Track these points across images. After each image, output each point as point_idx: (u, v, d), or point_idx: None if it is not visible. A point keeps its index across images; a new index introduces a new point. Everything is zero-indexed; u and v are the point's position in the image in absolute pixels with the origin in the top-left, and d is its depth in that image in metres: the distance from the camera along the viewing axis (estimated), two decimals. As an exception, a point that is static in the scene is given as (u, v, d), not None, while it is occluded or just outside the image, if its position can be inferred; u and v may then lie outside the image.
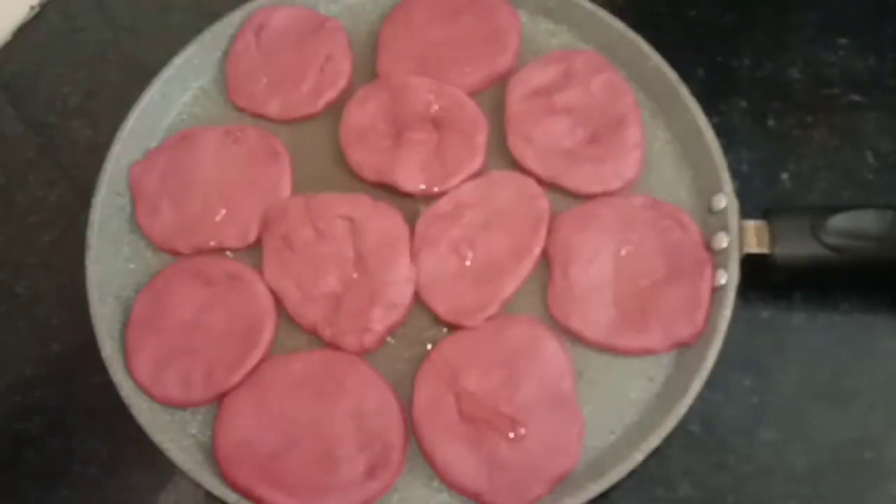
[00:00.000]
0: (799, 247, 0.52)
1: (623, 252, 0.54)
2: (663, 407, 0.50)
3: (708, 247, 0.54)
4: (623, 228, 0.55)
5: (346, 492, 0.49)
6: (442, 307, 0.54)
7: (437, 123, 0.59)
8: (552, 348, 0.52)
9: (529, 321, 0.53)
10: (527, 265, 0.54)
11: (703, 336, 0.52)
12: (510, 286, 0.54)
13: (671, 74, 0.59)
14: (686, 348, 0.52)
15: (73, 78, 0.67)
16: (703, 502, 0.51)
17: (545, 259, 0.55)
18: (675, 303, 0.53)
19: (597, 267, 0.54)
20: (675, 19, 0.67)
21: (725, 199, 0.54)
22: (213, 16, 0.63)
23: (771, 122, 0.62)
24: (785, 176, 0.60)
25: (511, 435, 0.50)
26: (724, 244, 0.53)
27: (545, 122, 0.59)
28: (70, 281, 0.55)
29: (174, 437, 0.51)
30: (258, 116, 0.61)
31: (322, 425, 0.51)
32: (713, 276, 0.53)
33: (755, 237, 0.53)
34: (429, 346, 0.53)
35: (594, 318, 0.53)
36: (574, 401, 0.51)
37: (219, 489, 0.49)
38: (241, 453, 0.50)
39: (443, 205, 0.57)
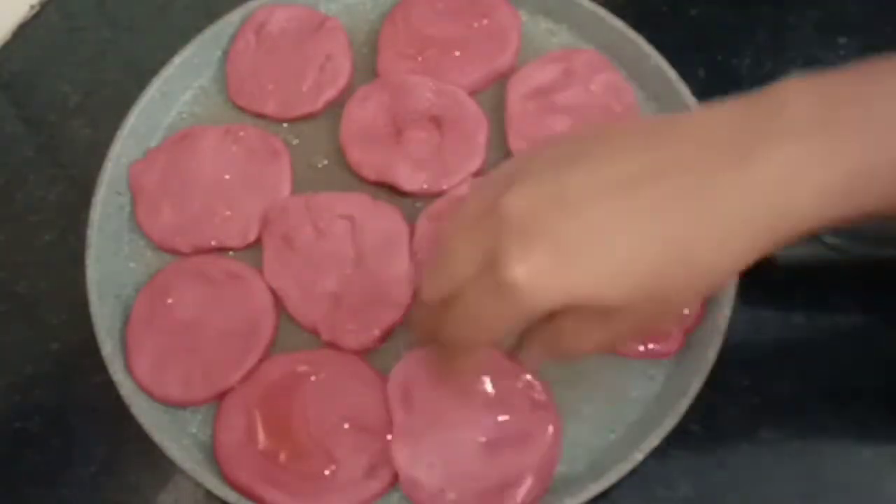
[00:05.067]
0: (799, 247, 0.52)
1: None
2: (663, 406, 0.50)
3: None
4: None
5: (346, 491, 0.49)
6: (442, 307, 0.54)
7: (437, 122, 0.59)
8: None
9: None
10: (527, 265, 0.54)
11: (704, 336, 0.51)
12: (510, 286, 0.54)
13: (671, 74, 0.59)
14: (686, 348, 0.52)
15: (72, 77, 0.67)
16: (703, 502, 0.51)
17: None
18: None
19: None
20: (676, 18, 0.66)
21: (725, 199, 0.54)
22: (213, 15, 0.63)
23: (771, 122, 0.62)
24: (785, 176, 0.60)
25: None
26: (725, 244, 0.53)
27: (545, 122, 0.59)
28: (70, 281, 0.55)
29: (174, 436, 0.51)
30: (258, 115, 0.61)
31: (322, 424, 0.51)
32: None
33: (755, 237, 0.53)
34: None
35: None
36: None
37: (219, 488, 0.49)
38: (241, 452, 0.50)
39: (443, 204, 0.56)
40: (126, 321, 0.54)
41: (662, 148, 0.36)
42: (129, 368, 0.52)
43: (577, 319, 0.38)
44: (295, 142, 0.60)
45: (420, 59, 0.61)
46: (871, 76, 0.37)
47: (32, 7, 0.69)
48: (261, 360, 0.53)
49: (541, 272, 0.35)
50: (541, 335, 0.41)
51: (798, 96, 0.36)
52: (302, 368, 0.52)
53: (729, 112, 0.37)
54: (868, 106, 0.36)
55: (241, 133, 0.59)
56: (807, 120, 0.35)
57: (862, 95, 0.36)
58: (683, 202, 0.35)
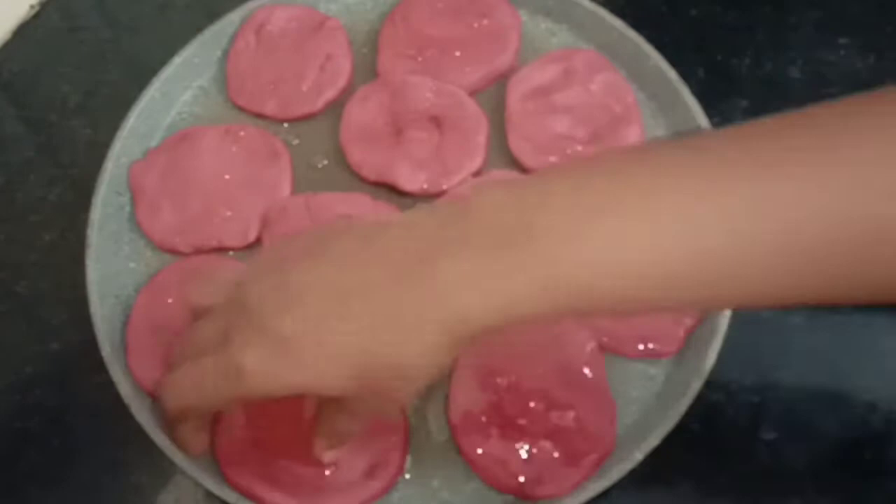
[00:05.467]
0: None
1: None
2: (663, 406, 0.50)
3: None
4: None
5: (346, 491, 0.49)
6: (442, 307, 0.54)
7: (437, 122, 0.59)
8: (573, 332, 0.52)
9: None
10: (527, 265, 0.54)
11: (703, 336, 0.51)
12: (510, 286, 0.54)
13: (671, 74, 0.59)
14: (686, 348, 0.52)
15: (73, 77, 0.67)
16: (702, 502, 0.51)
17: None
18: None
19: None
20: (676, 19, 0.66)
21: (726, 199, 0.54)
22: (213, 15, 0.63)
23: (771, 122, 0.62)
24: (785, 175, 0.60)
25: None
26: (725, 244, 0.53)
27: (545, 122, 0.59)
28: (70, 281, 0.55)
29: (174, 436, 0.51)
30: (258, 115, 0.61)
31: (322, 425, 0.51)
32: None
33: (755, 237, 0.53)
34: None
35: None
36: (607, 385, 0.51)
37: (219, 489, 0.49)
38: (241, 453, 0.50)
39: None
40: (126, 321, 0.54)
41: (366, 264, 0.40)
42: (129, 368, 0.52)
43: (328, 405, 0.45)
44: (295, 142, 0.60)
45: (420, 59, 0.61)
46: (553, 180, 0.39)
47: (32, 7, 0.69)
48: (261, 360, 0.53)
49: (262, 362, 0.40)
50: (319, 423, 0.46)
51: (485, 206, 0.39)
52: (302, 368, 0.52)
53: (424, 223, 0.41)
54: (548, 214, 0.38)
55: (241, 133, 0.59)
56: (487, 229, 0.38)
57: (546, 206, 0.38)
58: (376, 315, 0.39)
